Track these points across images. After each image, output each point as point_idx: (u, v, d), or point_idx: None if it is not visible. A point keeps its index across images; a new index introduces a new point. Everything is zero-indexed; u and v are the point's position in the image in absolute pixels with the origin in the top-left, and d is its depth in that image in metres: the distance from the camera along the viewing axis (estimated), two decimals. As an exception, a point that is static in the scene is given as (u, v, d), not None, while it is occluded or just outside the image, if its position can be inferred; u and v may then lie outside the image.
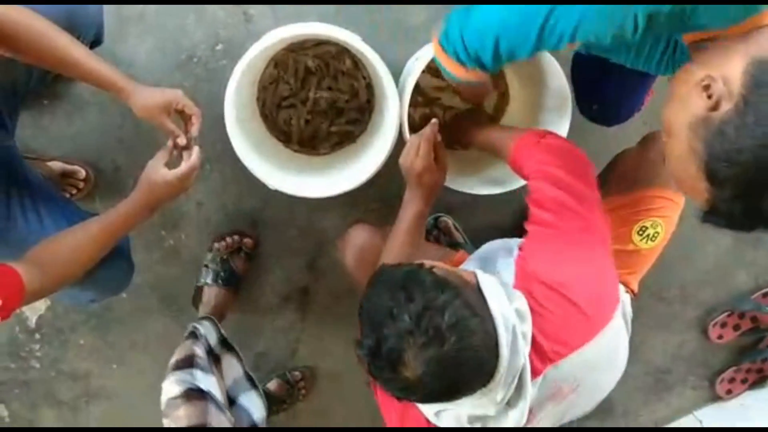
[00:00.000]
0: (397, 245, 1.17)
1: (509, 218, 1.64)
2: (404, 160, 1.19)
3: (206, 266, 1.57)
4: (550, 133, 1.14)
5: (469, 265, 1.18)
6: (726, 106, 0.73)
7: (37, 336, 1.65)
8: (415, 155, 1.17)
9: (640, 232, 1.22)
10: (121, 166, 1.52)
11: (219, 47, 1.46)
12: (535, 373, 0.91)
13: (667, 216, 1.21)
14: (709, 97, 0.74)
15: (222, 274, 1.55)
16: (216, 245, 1.57)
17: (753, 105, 0.71)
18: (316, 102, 1.43)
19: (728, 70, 0.74)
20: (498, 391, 0.86)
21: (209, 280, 1.56)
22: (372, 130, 1.45)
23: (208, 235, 1.59)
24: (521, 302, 0.92)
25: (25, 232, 1.15)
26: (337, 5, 1.45)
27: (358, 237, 1.33)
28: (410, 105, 1.27)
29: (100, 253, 1.09)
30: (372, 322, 0.82)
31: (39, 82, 1.17)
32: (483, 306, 0.85)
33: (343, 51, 1.40)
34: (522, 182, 1.33)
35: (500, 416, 0.90)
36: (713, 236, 1.76)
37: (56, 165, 1.44)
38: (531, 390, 0.89)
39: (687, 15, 0.76)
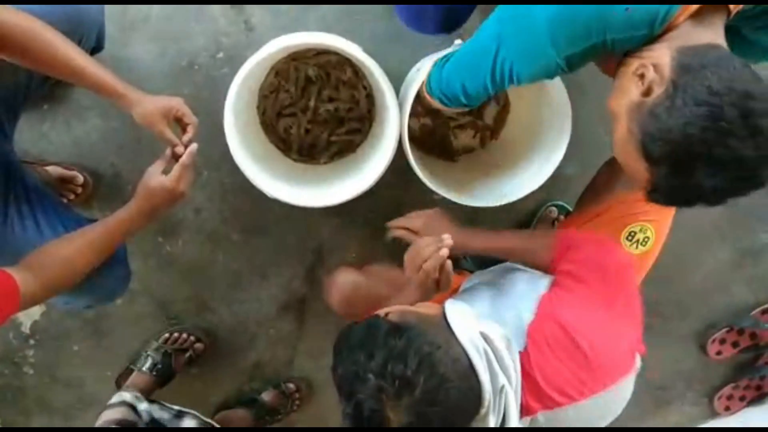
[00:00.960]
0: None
1: (515, 225, 1.64)
2: (412, 270, 1.08)
3: (147, 353, 1.57)
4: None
5: (478, 286, 1.15)
6: (657, 91, 0.81)
7: (32, 342, 1.63)
8: (426, 278, 1.06)
9: (629, 238, 1.21)
10: (120, 172, 1.52)
11: (220, 55, 1.46)
12: (527, 411, 0.90)
13: (655, 219, 1.20)
14: (643, 83, 0.82)
15: (159, 366, 1.56)
16: (167, 335, 1.60)
17: (681, 88, 0.78)
18: (317, 111, 1.43)
19: (658, 58, 0.82)
20: (489, 417, 0.84)
21: (145, 368, 1.55)
22: (372, 140, 1.44)
23: (205, 243, 1.58)
24: (490, 327, 0.91)
25: (22, 238, 1.14)
26: (337, 15, 1.45)
27: (344, 280, 1.30)
28: (411, 115, 1.27)
29: (97, 261, 1.08)
30: (345, 391, 0.81)
31: (39, 87, 1.17)
32: (448, 335, 0.84)
33: (344, 61, 1.40)
34: (523, 193, 1.33)
35: None
36: (712, 251, 1.76)
37: (55, 170, 1.44)
38: (516, 421, 0.88)
39: (609, 48, 0.85)
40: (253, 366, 1.71)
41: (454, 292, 1.22)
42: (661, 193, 0.84)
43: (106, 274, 1.15)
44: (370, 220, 1.60)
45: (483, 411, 0.83)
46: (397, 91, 1.25)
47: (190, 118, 1.14)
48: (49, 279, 1.00)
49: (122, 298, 1.59)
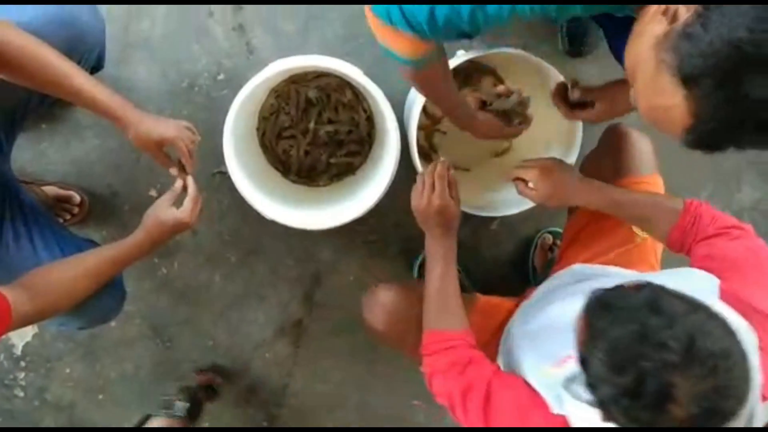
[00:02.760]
0: (437, 296, 1.10)
1: (511, 250, 1.63)
2: (418, 202, 1.14)
3: (176, 398, 1.50)
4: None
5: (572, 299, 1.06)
6: (686, 14, 0.71)
7: (23, 364, 1.61)
8: (431, 193, 1.13)
9: None
10: (117, 192, 1.51)
11: (221, 77, 1.46)
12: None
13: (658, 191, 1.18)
14: (667, 15, 0.72)
15: (191, 408, 1.50)
16: (195, 377, 1.58)
17: (714, 6, 0.68)
18: (316, 133, 1.43)
19: None
20: (743, 415, 0.73)
21: (179, 413, 1.47)
22: (372, 163, 1.44)
23: (202, 264, 1.57)
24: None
25: (17, 258, 1.13)
26: (339, 38, 1.46)
27: (389, 299, 1.19)
28: (418, 128, 1.27)
29: (96, 287, 1.07)
30: (622, 357, 0.69)
31: (38, 106, 1.16)
32: (727, 325, 0.73)
33: (344, 83, 1.40)
34: (524, 207, 1.32)
35: None
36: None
37: (51, 190, 1.43)
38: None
39: None
40: (247, 389, 1.68)
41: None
42: (704, 122, 0.70)
43: (100, 295, 1.13)
44: (370, 242, 1.58)
45: (740, 413, 0.72)
46: (398, 113, 1.25)
47: (182, 151, 1.12)
48: (44, 302, 0.99)
49: (116, 320, 1.56)
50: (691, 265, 0.99)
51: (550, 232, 1.62)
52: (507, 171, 1.22)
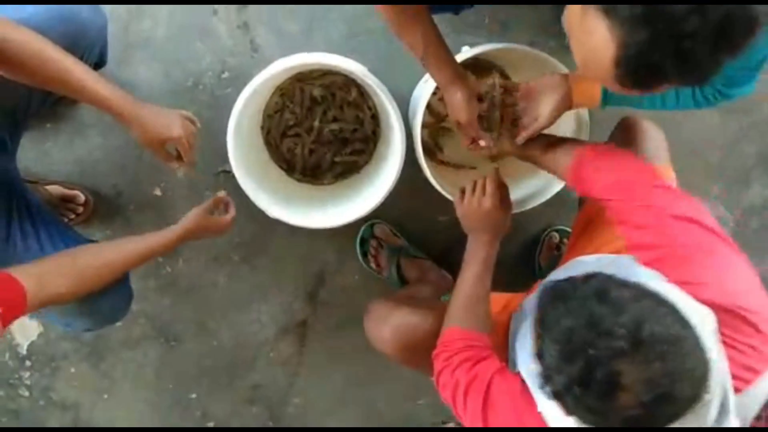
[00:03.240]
0: (468, 296, 1.09)
1: (518, 247, 1.62)
2: (469, 202, 1.15)
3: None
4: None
5: None
6: None
7: (28, 363, 1.61)
8: (482, 196, 1.14)
9: None
10: (122, 192, 1.50)
11: (225, 75, 1.45)
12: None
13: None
14: None
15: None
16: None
17: None
18: (321, 132, 1.42)
19: None
20: (713, 404, 0.73)
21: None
22: (376, 161, 1.43)
23: (206, 264, 1.56)
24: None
25: (25, 257, 1.12)
26: (343, 35, 1.45)
27: (401, 322, 1.14)
28: (422, 126, 1.27)
29: (119, 276, 1.09)
30: (571, 347, 0.69)
31: (40, 104, 1.16)
32: (677, 311, 0.73)
33: (349, 81, 1.39)
34: (528, 206, 1.32)
35: None
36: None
37: (56, 189, 1.43)
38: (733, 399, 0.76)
39: None
40: (252, 388, 1.67)
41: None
42: (627, 48, 0.70)
43: (109, 295, 1.13)
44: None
45: (705, 398, 0.72)
46: (402, 110, 1.24)
47: (184, 149, 1.14)
48: (58, 287, 1.00)
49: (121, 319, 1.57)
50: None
51: (557, 231, 1.60)
52: (509, 172, 1.22)
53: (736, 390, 0.77)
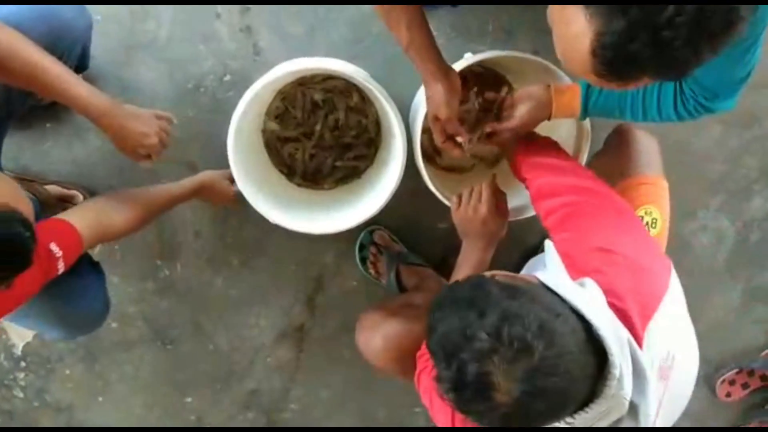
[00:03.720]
0: None
1: (515, 256, 1.60)
2: (465, 208, 1.16)
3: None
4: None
5: None
6: None
7: (23, 364, 1.60)
8: (478, 202, 1.15)
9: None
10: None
11: (227, 78, 1.45)
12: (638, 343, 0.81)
13: (656, 201, 1.17)
14: None
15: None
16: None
17: None
18: (322, 136, 1.42)
19: None
20: (624, 384, 0.75)
21: None
22: (377, 167, 1.42)
23: (204, 267, 1.55)
24: (590, 282, 0.84)
25: None
26: (346, 40, 1.45)
27: (391, 332, 1.14)
28: (422, 131, 1.26)
29: (151, 218, 1.23)
30: (446, 352, 0.72)
31: (21, 104, 1.13)
32: (559, 304, 0.76)
33: (351, 86, 1.39)
34: (527, 214, 1.31)
35: (631, 416, 0.78)
36: (724, 290, 1.72)
37: (53, 189, 1.42)
38: (646, 364, 0.79)
39: None
40: (249, 393, 1.66)
41: None
42: (604, 37, 0.69)
43: (82, 305, 1.13)
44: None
45: (610, 383, 0.74)
46: (404, 116, 1.23)
47: (156, 154, 1.18)
48: (105, 228, 1.10)
49: (117, 321, 1.56)
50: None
51: None
52: (508, 180, 1.21)
53: (644, 323, 0.81)
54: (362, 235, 1.54)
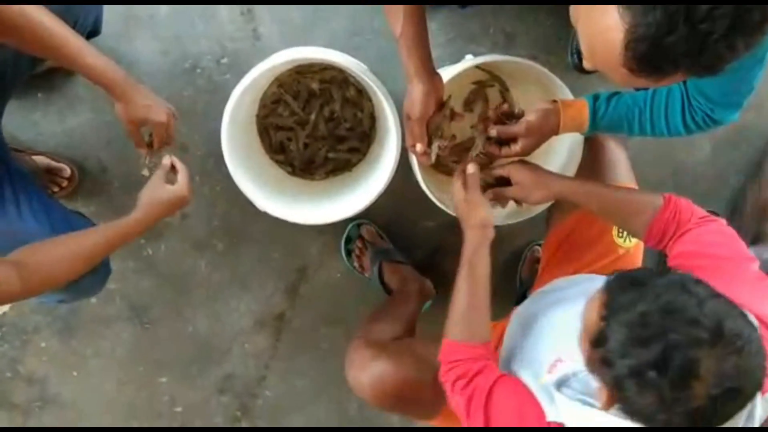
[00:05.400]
0: (459, 304, 1.05)
1: (501, 261, 1.62)
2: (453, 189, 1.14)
3: None
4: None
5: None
6: None
7: (-2, 333, 1.58)
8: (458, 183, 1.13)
9: (620, 234, 1.20)
10: (107, 168, 1.48)
11: (224, 60, 1.44)
12: None
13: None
14: None
15: None
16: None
17: None
18: (316, 126, 1.41)
19: None
20: (756, 407, 0.76)
21: None
22: (370, 161, 1.42)
23: (188, 249, 1.55)
24: None
25: (2, 223, 1.11)
26: (347, 31, 1.44)
27: (380, 372, 1.11)
28: None
29: (88, 268, 1.04)
30: (649, 330, 0.69)
31: (28, 69, 1.13)
32: (745, 313, 0.75)
33: (348, 78, 1.39)
34: (516, 219, 1.31)
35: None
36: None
37: (42, 160, 1.41)
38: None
39: None
40: (224, 377, 1.66)
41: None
42: (637, 30, 0.68)
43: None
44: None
45: (755, 399, 0.74)
46: (400, 112, 1.23)
47: (160, 138, 1.13)
48: (35, 280, 0.96)
49: (96, 297, 1.54)
50: (669, 263, 0.99)
51: (539, 245, 1.61)
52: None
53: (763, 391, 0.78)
54: (350, 227, 1.54)
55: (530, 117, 1.10)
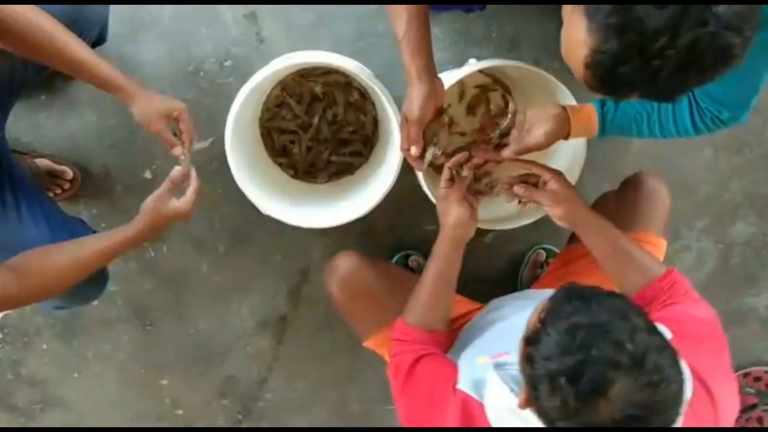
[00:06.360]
0: (422, 291, 1.11)
1: (503, 263, 1.63)
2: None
3: None
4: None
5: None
6: None
7: (0, 335, 1.58)
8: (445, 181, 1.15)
9: None
10: (110, 171, 1.48)
11: (228, 63, 1.44)
12: None
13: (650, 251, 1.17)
14: None
15: None
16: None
17: None
18: (319, 130, 1.41)
19: None
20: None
21: None
22: (373, 164, 1.43)
23: (190, 251, 1.55)
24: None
25: (2, 229, 1.11)
26: (351, 35, 1.44)
27: (345, 266, 1.22)
28: None
29: (86, 276, 1.04)
30: (577, 341, 0.71)
31: (35, 76, 1.14)
32: (677, 359, 0.76)
33: (351, 82, 1.39)
34: (519, 223, 1.31)
35: None
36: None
37: (44, 163, 1.40)
38: None
39: None
40: (225, 379, 1.66)
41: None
42: (597, 53, 0.71)
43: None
44: (362, 244, 1.57)
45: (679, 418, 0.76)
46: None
47: (188, 125, 1.10)
48: (33, 286, 0.96)
49: (99, 299, 1.54)
50: None
51: (543, 249, 1.61)
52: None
53: None
54: (397, 258, 1.55)
55: (546, 128, 1.09)
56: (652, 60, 0.69)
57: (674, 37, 0.67)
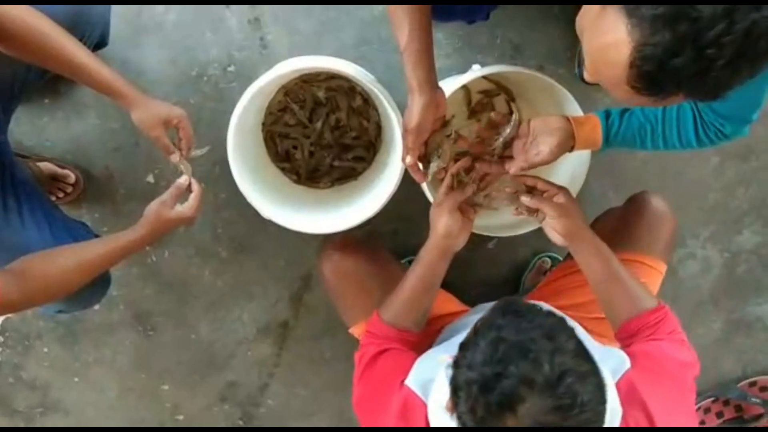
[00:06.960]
0: (402, 291, 1.12)
1: (506, 270, 1.62)
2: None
3: None
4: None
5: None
6: None
7: (0, 339, 1.58)
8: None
9: None
10: (113, 175, 1.48)
11: (231, 68, 1.44)
12: None
13: (645, 282, 1.16)
14: None
15: None
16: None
17: None
18: (322, 135, 1.41)
19: None
20: None
21: None
22: (375, 170, 1.42)
23: (192, 256, 1.54)
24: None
25: (4, 232, 1.11)
26: (354, 41, 1.44)
27: (341, 249, 1.25)
28: None
29: (88, 280, 1.04)
30: (499, 354, 0.72)
31: (37, 80, 1.14)
32: (602, 386, 0.76)
33: (354, 88, 1.39)
34: (522, 230, 1.31)
35: None
36: (706, 320, 1.74)
37: (47, 166, 1.40)
38: None
39: None
40: (227, 385, 1.66)
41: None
42: (645, 48, 0.68)
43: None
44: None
45: None
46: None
47: (187, 132, 1.11)
48: (35, 291, 0.96)
49: (100, 303, 1.54)
50: (621, 346, 1.04)
51: (550, 257, 1.60)
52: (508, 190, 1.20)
53: None
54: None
55: (552, 144, 1.07)
56: (707, 49, 0.65)
57: (731, 23, 0.64)
